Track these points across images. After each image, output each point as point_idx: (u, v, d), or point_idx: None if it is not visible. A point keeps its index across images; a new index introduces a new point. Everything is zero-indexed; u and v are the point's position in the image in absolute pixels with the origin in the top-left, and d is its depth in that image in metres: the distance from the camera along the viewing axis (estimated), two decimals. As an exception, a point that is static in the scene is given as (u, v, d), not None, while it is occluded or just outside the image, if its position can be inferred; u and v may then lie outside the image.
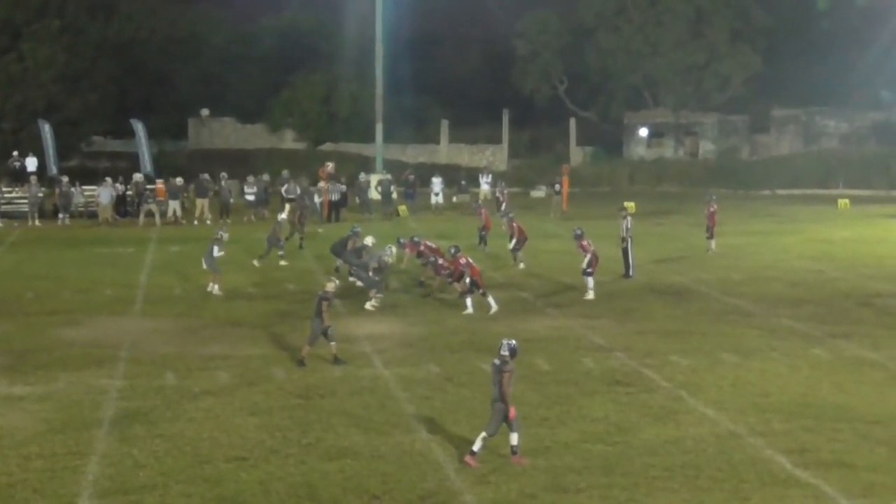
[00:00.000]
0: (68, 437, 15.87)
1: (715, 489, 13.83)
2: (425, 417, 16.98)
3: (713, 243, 36.01)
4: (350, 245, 29.16)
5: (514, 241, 33.29)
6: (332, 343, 20.46)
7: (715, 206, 36.55)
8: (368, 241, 29.02)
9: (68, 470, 14.45)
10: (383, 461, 14.85)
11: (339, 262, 30.22)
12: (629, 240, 30.81)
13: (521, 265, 33.05)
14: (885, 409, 17.49)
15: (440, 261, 28.08)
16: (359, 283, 27.76)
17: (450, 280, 27.28)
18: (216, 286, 28.31)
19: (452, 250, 27.16)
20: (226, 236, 29.13)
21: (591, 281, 27.98)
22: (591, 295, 27.81)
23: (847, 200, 54.69)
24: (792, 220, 46.84)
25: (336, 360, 20.42)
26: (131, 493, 13.59)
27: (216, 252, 28.32)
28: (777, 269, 32.60)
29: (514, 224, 33.66)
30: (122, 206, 47.50)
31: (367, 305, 26.55)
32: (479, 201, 40.59)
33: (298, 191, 48.48)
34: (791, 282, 30.33)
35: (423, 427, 16.49)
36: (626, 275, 30.79)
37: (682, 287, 29.76)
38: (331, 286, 20.87)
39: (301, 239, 37.26)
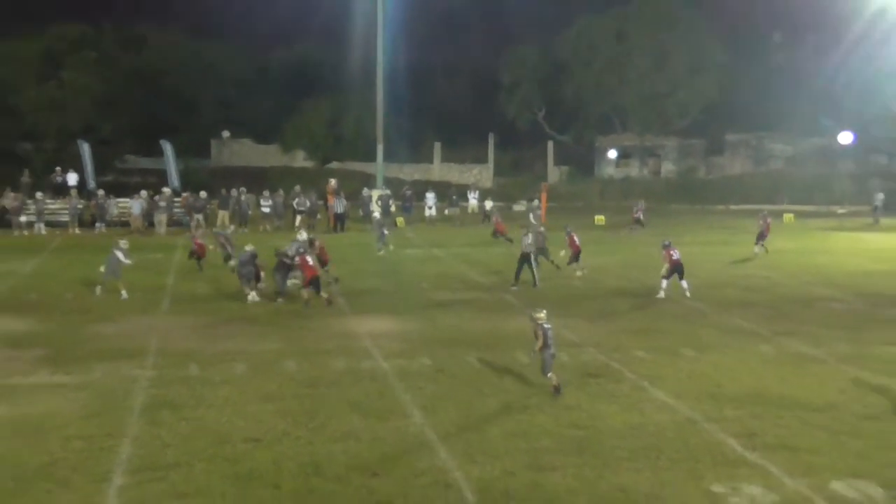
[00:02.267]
0: (103, 421, 15.88)
1: (673, 469, 13.89)
2: (419, 404, 17.01)
3: (762, 247, 38.09)
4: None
5: (568, 252, 32.81)
6: (550, 374, 17.74)
7: (769, 219, 39.16)
8: (302, 236, 28.92)
9: (104, 450, 14.46)
10: (382, 443, 14.88)
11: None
12: (531, 254, 29.96)
13: (579, 272, 32.30)
14: (824, 399, 17.56)
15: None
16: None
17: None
18: (123, 291, 28.01)
19: (301, 249, 27.43)
20: (123, 243, 28.82)
21: (664, 283, 28.33)
22: (661, 294, 28.18)
23: (792, 215, 54.90)
24: (743, 233, 46.89)
25: (556, 390, 17.66)
26: (159, 471, 13.62)
27: (123, 259, 28.16)
28: (730, 276, 32.72)
29: (572, 236, 33.04)
30: (150, 217, 47.48)
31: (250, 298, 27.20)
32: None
33: (308, 204, 48.62)
34: (742, 287, 30.44)
35: (417, 413, 16.51)
36: (535, 283, 29.83)
37: (646, 290, 29.81)
38: (542, 315, 17.86)
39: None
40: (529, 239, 30.29)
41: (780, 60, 68.80)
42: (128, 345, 21.69)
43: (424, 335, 23.01)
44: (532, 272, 30.00)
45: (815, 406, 17.06)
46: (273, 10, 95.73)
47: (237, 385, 18.29)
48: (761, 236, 38.30)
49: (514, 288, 29.59)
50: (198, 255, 32.53)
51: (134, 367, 19.59)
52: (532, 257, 30.05)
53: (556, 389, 17.54)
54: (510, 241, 39.55)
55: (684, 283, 28.25)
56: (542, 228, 36.25)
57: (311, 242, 29.13)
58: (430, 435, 15.31)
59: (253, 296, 27.43)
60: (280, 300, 26.94)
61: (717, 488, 13.15)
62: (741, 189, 68.86)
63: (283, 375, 19.08)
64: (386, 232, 38.80)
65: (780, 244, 41.01)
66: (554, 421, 15.99)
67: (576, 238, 32.63)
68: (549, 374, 17.60)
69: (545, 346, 17.42)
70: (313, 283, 26.62)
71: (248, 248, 28.25)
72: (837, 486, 13.27)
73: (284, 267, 27.25)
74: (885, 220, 52.44)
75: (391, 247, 38.29)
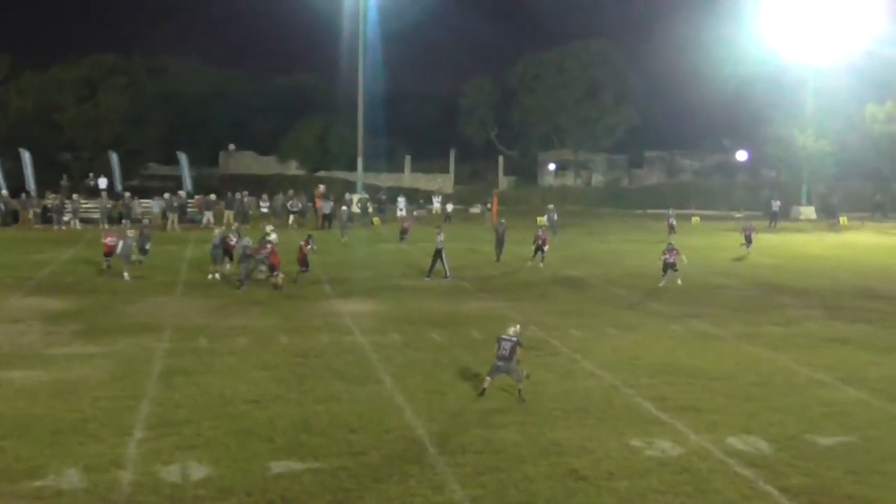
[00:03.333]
0: (127, 385, 15.70)
1: (599, 426, 13.91)
2: (390, 372, 16.94)
3: (750, 247, 37.51)
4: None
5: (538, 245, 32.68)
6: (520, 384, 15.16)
7: (752, 225, 38.95)
8: (272, 237, 28.41)
9: (127, 409, 14.29)
10: (359, 404, 14.80)
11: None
12: (442, 250, 29.32)
13: (541, 265, 32.11)
14: (724, 369, 17.67)
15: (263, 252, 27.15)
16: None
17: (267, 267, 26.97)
18: (127, 273, 27.80)
19: (270, 243, 27.04)
20: (131, 233, 28.93)
21: (667, 276, 28.35)
22: (662, 283, 28.20)
23: (698, 218, 55.28)
24: (658, 233, 47.15)
25: (520, 397, 15.02)
26: (173, 426, 13.47)
27: (121, 247, 28.17)
28: (647, 268, 32.77)
29: (544, 235, 33.27)
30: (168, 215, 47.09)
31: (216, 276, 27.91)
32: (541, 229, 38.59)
33: (300, 206, 48.41)
34: (657, 277, 30.43)
35: (388, 379, 16.44)
36: (445, 276, 28.92)
37: (578, 279, 29.91)
38: (509, 330, 15.35)
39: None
40: (441, 237, 29.72)
41: (690, 92, 69.44)
42: (148, 321, 21.47)
43: (395, 315, 22.93)
44: (444, 265, 29.24)
45: (716, 375, 17.16)
46: (274, 45, 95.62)
47: (239, 355, 18.14)
48: (748, 239, 37.62)
49: (427, 279, 28.74)
50: (108, 254, 29.01)
51: (153, 340, 19.40)
52: (443, 253, 29.35)
53: (483, 392, 15.23)
54: (403, 239, 39.94)
55: (676, 276, 28.33)
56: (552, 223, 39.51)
57: (307, 240, 28.69)
58: (399, 398, 15.25)
59: (216, 276, 27.72)
60: (243, 288, 26.19)
61: (636, 442, 13.17)
62: (657, 197, 69.26)
63: (278, 347, 18.94)
64: (350, 224, 42.10)
65: (688, 242, 41.21)
66: (500, 386, 15.95)
67: (542, 235, 33.02)
68: (487, 377, 15.36)
69: (495, 355, 15.15)
70: (276, 269, 26.40)
71: (217, 231, 28.51)
72: (733, 440, 13.33)
73: (248, 258, 26.88)
74: (778, 224, 52.95)
75: (345, 239, 39.88)
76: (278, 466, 11.99)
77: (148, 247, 31.48)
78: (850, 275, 32.14)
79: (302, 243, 28.56)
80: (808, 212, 61.72)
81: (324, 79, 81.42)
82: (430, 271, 29.22)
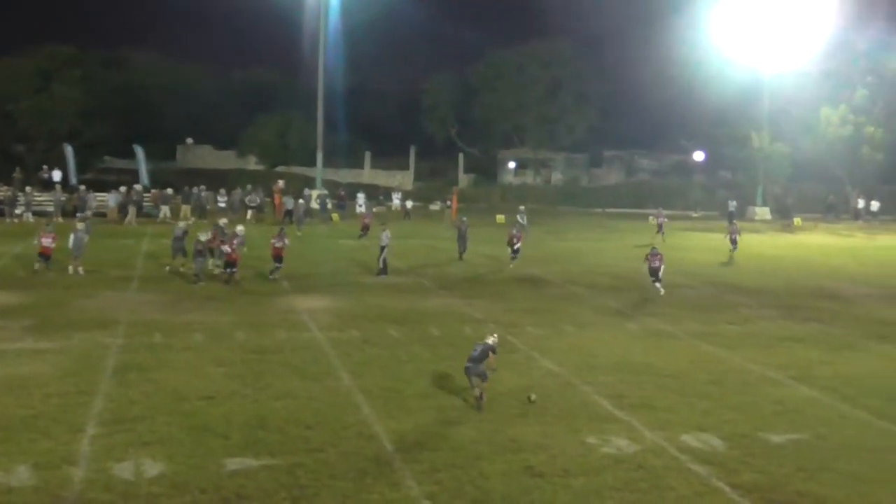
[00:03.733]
0: (79, 381, 15.48)
1: (557, 423, 13.98)
2: (347, 369, 16.89)
3: (734, 248, 36.64)
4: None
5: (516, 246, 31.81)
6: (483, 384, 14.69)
7: (737, 228, 38.23)
8: (240, 228, 28.05)
9: (79, 405, 14.11)
10: (316, 401, 14.74)
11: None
12: (387, 248, 28.88)
13: (511, 266, 31.45)
14: (677, 367, 17.85)
15: (225, 247, 26.87)
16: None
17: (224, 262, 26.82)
18: (80, 268, 27.41)
19: (237, 240, 26.86)
20: (81, 226, 28.70)
21: (658, 283, 26.99)
22: (661, 292, 26.66)
23: (653, 218, 55.61)
24: (616, 231, 47.56)
25: (478, 401, 14.65)
26: (126, 423, 13.32)
27: (84, 235, 27.96)
28: (605, 266, 33.07)
29: (518, 234, 32.61)
30: (124, 209, 46.43)
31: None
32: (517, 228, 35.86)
33: (258, 200, 48.08)
34: (614, 275, 30.77)
35: (346, 376, 16.39)
36: (383, 272, 28.58)
37: (537, 277, 30.00)
38: (492, 339, 15.10)
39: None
40: (388, 235, 29.21)
41: (649, 92, 70.04)
42: (102, 316, 21.19)
43: (353, 311, 22.85)
44: (381, 262, 28.79)
45: (670, 373, 17.33)
46: (234, 39, 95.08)
47: (195, 351, 17.98)
48: (733, 241, 36.92)
49: (383, 276, 28.41)
50: (45, 255, 27.59)
51: (107, 336, 19.15)
52: (385, 251, 28.86)
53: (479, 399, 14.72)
54: (363, 236, 38.49)
55: (658, 286, 27.01)
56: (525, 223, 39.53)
57: (279, 236, 28.17)
58: (357, 395, 15.21)
59: (169, 268, 27.65)
60: (201, 283, 25.87)
61: (592, 439, 13.26)
62: (615, 196, 69.72)
63: (234, 344, 18.81)
64: (307, 219, 43.36)
65: (645, 241, 41.51)
66: (459, 384, 15.91)
67: (517, 234, 32.38)
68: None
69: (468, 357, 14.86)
70: (234, 265, 26.25)
71: (181, 224, 28.23)
72: (687, 438, 13.48)
73: (202, 253, 26.58)
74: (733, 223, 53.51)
75: (300, 233, 40.10)
76: (233, 463, 11.90)
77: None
78: (804, 275, 32.62)
79: (274, 242, 27.63)
80: (763, 212, 62.48)
81: (284, 74, 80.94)
82: (385, 269, 29.01)
